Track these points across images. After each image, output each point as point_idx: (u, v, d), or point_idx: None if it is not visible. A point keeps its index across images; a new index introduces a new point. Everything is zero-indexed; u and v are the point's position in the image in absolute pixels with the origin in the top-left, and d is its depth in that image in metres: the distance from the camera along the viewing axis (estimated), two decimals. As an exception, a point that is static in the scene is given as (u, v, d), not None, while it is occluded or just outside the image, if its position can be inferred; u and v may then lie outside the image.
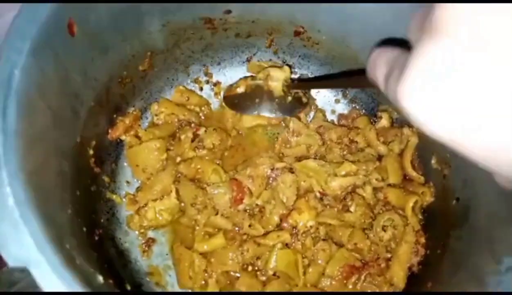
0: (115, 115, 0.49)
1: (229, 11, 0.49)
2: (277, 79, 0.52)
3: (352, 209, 0.45)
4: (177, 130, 0.53)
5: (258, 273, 0.46)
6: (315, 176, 0.47)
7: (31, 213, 0.25)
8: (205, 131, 0.52)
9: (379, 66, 0.25)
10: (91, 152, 0.45)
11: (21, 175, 0.26)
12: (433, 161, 0.46)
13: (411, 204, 0.44)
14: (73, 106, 0.39)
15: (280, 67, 0.53)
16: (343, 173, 0.47)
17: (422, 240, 0.44)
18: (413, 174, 0.47)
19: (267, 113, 0.54)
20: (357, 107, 0.56)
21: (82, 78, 0.40)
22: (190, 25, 0.49)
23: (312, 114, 0.56)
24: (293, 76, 0.56)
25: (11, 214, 0.24)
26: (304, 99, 0.54)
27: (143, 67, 0.49)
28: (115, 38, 0.42)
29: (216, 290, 0.45)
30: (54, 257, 0.24)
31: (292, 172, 0.50)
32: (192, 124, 0.53)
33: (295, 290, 0.44)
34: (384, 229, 0.45)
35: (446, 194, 0.43)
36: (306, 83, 0.56)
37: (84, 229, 0.39)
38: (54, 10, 0.32)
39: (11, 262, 0.23)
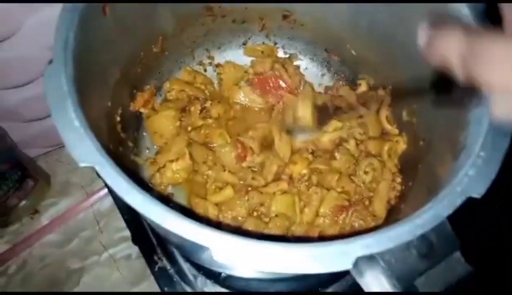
0: (134, 91, 0.58)
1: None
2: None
3: (337, 157, 0.54)
4: (187, 104, 0.61)
5: (262, 216, 0.54)
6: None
7: (90, 133, 0.34)
8: (211, 104, 0.61)
9: (451, 44, 0.25)
10: (118, 118, 0.53)
11: (78, 109, 0.35)
12: (404, 114, 0.55)
13: (386, 148, 0.53)
14: (105, 75, 0.48)
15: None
16: (331, 129, 0.56)
17: (398, 179, 0.53)
18: (388, 127, 0.56)
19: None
20: (340, 78, 0.65)
21: (110, 53, 0.48)
22: (194, 13, 0.58)
23: (302, 87, 0.65)
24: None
25: (77, 130, 0.33)
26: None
27: (156, 50, 0.58)
28: (135, 23, 0.50)
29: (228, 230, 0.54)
30: (114, 163, 0.33)
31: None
32: (200, 99, 0.62)
33: (293, 227, 0.53)
34: (365, 172, 0.53)
35: (416, 137, 0.52)
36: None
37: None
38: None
39: (81, 163, 0.31)
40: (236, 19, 0.62)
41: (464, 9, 0.41)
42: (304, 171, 0.54)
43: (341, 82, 0.64)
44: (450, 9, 0.42)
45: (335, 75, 0.66)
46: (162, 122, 0.58)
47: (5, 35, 0.56)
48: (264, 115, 0.64)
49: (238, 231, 0.52)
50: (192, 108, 0.60)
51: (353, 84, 0.63)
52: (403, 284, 0.31)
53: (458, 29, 0.25)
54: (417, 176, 0.48)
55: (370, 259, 0.31)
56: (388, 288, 0.31)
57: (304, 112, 0.58)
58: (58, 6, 0.38)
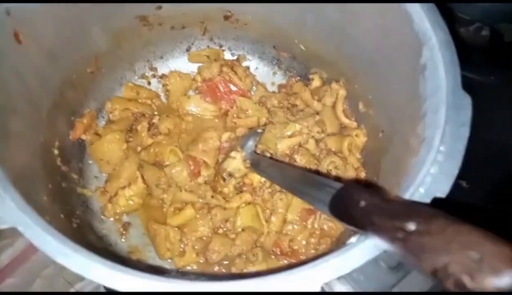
0: (72, 118, 0.53)
1: (159, 7, 0.54)
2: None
3: (297, 159, 0.51)
4: (133, 123, 0.57)
5: (228, 232, 0.51)
6: (264, 142, 0.53)
7: (12, 190, 0.29)
8: (159, 119, 0.57)
9: None
10: (56, 151, 0.48)
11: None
12: (360, 106, 0.53)
13: (346, 145, 0.51)
14: (33, 108, 0.43)
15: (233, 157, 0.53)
16: (289, 133, 0.53)
17: (362, 174, 0.51)
18: (346, 121, 0.54)
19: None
20: (292, 75, 0.62)
21: (38, 82, 0.43)
22: (127, 26, 0.54)
23: (254, 88, 0.62)
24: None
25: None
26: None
27: (91, 69, 0.53)
28: (61, 45, 0.46)
29: (193, 255, 0.50)
30: (40, 220, 0.28)
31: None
32: (146, 115, 0.58)
33: (262, 238, 0.50)
34: (328, 171, 0.51)
35: (375, 129, 0.50)
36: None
37: (62, 216, 0.43)
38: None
39: (1, 225, 0.27)
40: (174, 26, 0.58)
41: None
42: (264, 178, 0.51)
43: (293, 79, 0.61)
44: None
45: (287, 72, 0.63)
46: (107, 148, 0.53)
47: None
48: (218, 123, 0.60)
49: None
50: (139, 127, 0.56)
51: (306, 79, 0.61)
52: (376, 300, 0.29)
53: None
54: (380, 171, 0.46)
55: (339, 279, 0.28)
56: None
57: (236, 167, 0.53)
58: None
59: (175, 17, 0.57)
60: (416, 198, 0.30)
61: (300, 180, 0.40)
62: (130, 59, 0.59)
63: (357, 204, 0.27)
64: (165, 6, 0.54)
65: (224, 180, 0.52)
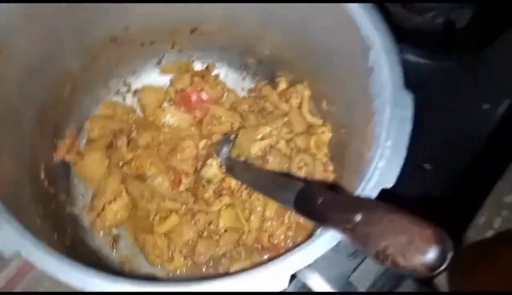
0: (55, 139, 0.56)
1: (127, 27, 0.57)
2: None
3: (270, 160, 0.55)
4: (113, 139, 0.60)
5: (212, 235, 0.55)
6: (239, 147, 0.57)
7: (10, 218, 0.32)
8: (137, 132, 0.60)
9: None
10: (42, 175, 0.51)
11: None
12: (324, 104, 0.57)
13: (312, 142, 0.55)
14: (14, 133, 0.45)
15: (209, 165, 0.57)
16: (260, 136, 0.57)
17: (331, 168, 0.55)
18: (312, 119, 0.58)
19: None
20: (260, 78, 0.66)
21: (19, 99, 0.46)
22: (99, 46, 0.56)
23: (225, 95, 0.65)
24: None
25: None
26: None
27: (66, 93, 0.55)
28: (38, 63, 0.48)
29: (181, 259, 0.54)
30: (40, 243, 0.32)
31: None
32: (124, 131, 0.61)
33: (243, 237, 0.54)
34: (299, 168, 0.55)
35: (338, 126, 0.54)
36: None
37: (55, 236, 0.46)
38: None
39: (4, 252, 0.30)
40: (144, 42, 0.61)
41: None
42: (240, 181, 0.55)
43: (261, 82, 0.65)
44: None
45: (255, 76, 0.66)
46: (90, 167, 0.56)
47: None
48: (194, 131, 0.64)
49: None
50: (119, 143, 0.59)
51: (273, 82, 0.64)
52: (339, 283, 0.33)
53: None
54: (345, 164, 0.50)
55: (308, 267, 0.32)
56: (328, 288, 0.33)
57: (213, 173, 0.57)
58: None
59: (144, 35, 0.60)
60: (367, 190, 0.34)
61: (270, 182, 0.44)
62: (104, 78, 0.62)
63: (315, 201, 0.31)
64: (133, 26, 0.57)
65: (203, 186, 0.55)
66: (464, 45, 0.76)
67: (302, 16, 0.53)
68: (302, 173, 0.54)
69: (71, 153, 0.57)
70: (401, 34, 0.45)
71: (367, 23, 0.44)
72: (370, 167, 0.35)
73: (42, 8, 0.44)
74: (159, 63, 0.65)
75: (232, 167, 0.54)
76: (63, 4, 0.46)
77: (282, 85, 0.62)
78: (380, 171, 0.34)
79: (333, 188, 0.44)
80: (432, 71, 0.69)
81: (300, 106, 0.59)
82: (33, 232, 0.33)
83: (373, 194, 0.33)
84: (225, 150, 0.57)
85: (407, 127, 0.37)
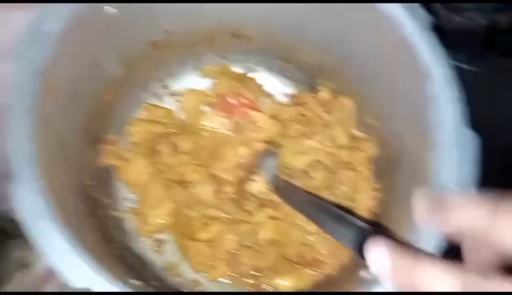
0: (99, 145, 0.56)
1: (167, 31, 0.56)
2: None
3: (314, 175, 0.55)
4: (155, 143, 0.60)
5: (255, 245, 0.56)
6: (282, 160, 0.57)
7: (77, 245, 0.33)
8: (179, 138, 0.60)
9: (469, 213, 0.24)
10: (89, 182, 0.52)
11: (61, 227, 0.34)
12: (369, 119, 0.56)
13: (359, 159, 0.55)
14: (63, 149, 0.46)
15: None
16: (303, 150, 0.56)
17: (375, 185, 0.55)
18: (355, 132, 0.58)
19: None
20: (300, 85, 0.65)
21: (64, 122, 0.46)
22: (140, 52, 0.56)
23: (264, 100, 0.65)
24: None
25: (65, 251, 0.33)
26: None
27: (108, 98, 0.55)
28: (83, 85, 0.48)
29: (224, 267, 0.55)
30: (106, 273, 0.33)
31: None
32: (166, 136, 0.61)
33: (286, 250, 0.55)
34: (343, 184, 0.55)
35: (384, 144, 0.54)
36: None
37: (106, 246, 0.47)
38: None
39: (77, 285, 0.32)
40: (184, 46, 0.60)
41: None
42: (285, 193, 0.56)
43: (302, 89, 0.64)
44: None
45: (295, 82, 0.66)
46: (135, 172, 0.57)
47: None
48: (234, 136, 0.63)
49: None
50: (161, 148, 0.59)
51: (314, 89, 0.64)
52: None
53: (473, 197, 0.24)
54: (395, 189, 0.50)
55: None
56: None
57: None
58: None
59: (184, 38, 0.59)
60: (426, 235, 0.34)
61: (326, 214, 0.44)
62: (144, 81, 0.61)
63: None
64: (172, 30, 0.56)
65: (246, 198, 0.56)
66: (506, 48, 0.74)
67: (343, 26, 0.52)
68: (346, 189, 0.55)
69: (115, 157, 0.57)
70: (440, 36, 0.44)
71: (424, 47, 0.43)
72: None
73: (81, 33, 0.43)
74: (198, 66, 0.64)
75: (281, 188, 0.54)
76: (102, 23, 0.46)
77: (324, 94, 0.61)
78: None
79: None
80: (471, 76, 0.68)
81: (343, 118, 0.59)
82: (89, 250, 0.35)
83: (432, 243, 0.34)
84: (271, 165, 0.57)
85: (471, 170, 0.37)
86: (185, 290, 0.55)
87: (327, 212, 0.44)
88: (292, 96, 0.65)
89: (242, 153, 0.60)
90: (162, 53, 0.58)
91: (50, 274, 0.73)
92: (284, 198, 0.53)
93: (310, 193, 0.54)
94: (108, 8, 0.44)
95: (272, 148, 0.59)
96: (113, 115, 0.58)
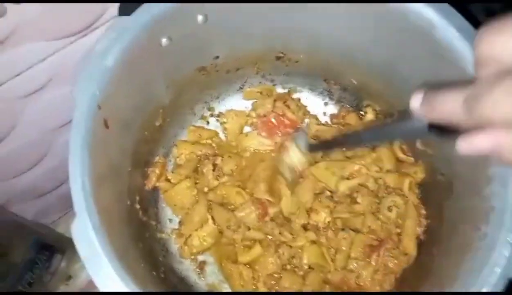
0: (146, 168, 0.58)
1: (217, 57, 0.57)
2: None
3: (359, 200, 0.54)
4: (198, 165, 0.61)
5: (296, 269, 0.56)
6: (324, 181, 0.56)
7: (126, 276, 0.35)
8: (222, 160, 0.61)
9: (453, 96, 0.26)
10: (137, 206, 0.53)
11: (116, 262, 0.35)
12: (418, 143, 0.54)
13: (407, 184, 0.53)
14: (115, 177, 0.47)
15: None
16: (347, 173, 0.56)
17: (423, 211, 0.53)
18: (403, 156, 0.56)
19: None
20: (345, 105, 0.64)
21: (119, 153, 0.48)
22: (188, 77, 0.57)
23: (306, 120, 0.65)
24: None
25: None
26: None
27: (159, 123, 0.57)
28: (135, 114, 0.50)
29: (265, 290, 0.55)
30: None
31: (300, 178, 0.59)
32: (210, 157, 0.62)
33: (329, 276, 0.54)
34: (389, 209, 0.54)
35: (433, 170, 0.52)
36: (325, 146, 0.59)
37: (154, 273, 0.48)
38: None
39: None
40: (230, 69, 0.61)
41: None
42: (328, 219, 0.55)
43: (345, 109, 0.63)
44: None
45: (339, 102, 0.65)
46: (180, 195, 0.58)
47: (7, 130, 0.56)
48: (275, 156, 0.64)
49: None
50: (205, 170, 0.60)
51: (358, 110, 0.62)
52: None
53: (456, 87, 0.26)
54: (444, 216, 0.48)
55: None
56: None
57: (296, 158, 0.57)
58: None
59: (231, 62, 0.59)
60: (493, 279, 0.33)
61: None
62: (190, 104, 0.63)
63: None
64: (222, 55, 0.57)
65: (288, 221, 0.56)
66: None
67: (390, 50, 0.51)
68: (392, 215, 0.53)
69: (160, 180, 0.59)
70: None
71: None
72: (492, 250, 0.34)
73: (137, 64, 0.44)
74: (241, 88, 0.65)
75: (316, 146, 0.57)
76: (157, 54, 0.47)
77: (369, 116, 0.60)
78: (507, 261, 0.33)
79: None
80: None
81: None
82: (138, 277, 0.36)
83: (499, 284, 0.32)
84: (301, 137, 0.58)
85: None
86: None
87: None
88: (335, 116, 0.64)
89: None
90: (209, 77, 0.59)
91: (92, 285, 0.77)
92: (324, 148, 0.57)
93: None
94: (165, 40, 0.45)
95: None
96: (160, 138, 0.60)
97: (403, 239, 0.53)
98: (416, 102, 0.30)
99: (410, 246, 0.52)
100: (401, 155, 0.56)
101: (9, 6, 0.44)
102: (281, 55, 0.60)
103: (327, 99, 0.65)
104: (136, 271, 0.42)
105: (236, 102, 0.65)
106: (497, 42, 0.25)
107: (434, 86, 0.29)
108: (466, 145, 0.27)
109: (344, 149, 0.57)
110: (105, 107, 0.41)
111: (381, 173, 0.55)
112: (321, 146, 0.58)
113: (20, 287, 0.65)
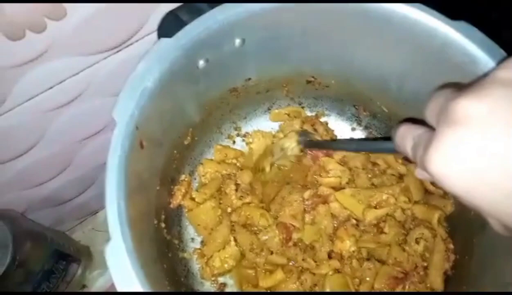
0: (172, 186, 0.57)
1: (249, 79, 0.56)
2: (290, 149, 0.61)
3: (386, 230, 0.53)
4: (222, 186, 0.60)
5: (318, 299, 0.55)
6: (350, 208, 0.55)
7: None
8: (245, 179, 0.60)
9: (407, 139, 0.31)
10: (163, 225, 0.53)
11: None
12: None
13: (436, 218, 0.53)
14: (144, 196, 0.47)
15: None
16: (375, 202, 0.55)
17: (451, 246, 0.52)
18: (432, 188, 0.55)
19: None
20: (373, 132, 0.64)
21: (150, 172, 0.48)
22: (219, 98, 0.57)
23: (334, 142, 0.64)
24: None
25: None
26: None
27: (187, 142, 0.57)
28: (167, 134, 0.50)
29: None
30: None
31: (324, 203, 0.58)
32: (232, 177, 0.61)
33: (352, 306, 0.53)
34: (417, 241, 0.53)
35: (462, 204, 0.51)
36: (322, 145, 0.63)
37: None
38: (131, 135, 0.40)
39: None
40: (260, 91, 0.60)
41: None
42: (353, 248, 0.54)
43: (374, 136, 0.63)
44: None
45: (367, 129, 0.64)
46: (205, 215, 0.57)
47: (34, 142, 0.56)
48: (299, 177, 0.63)
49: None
50: (228, 190, 0.60)
51: (387, 138, 0.62)
52: None
53: (415, 128, 0.31)
54: (474, 252, 0.47)
55: None
56: None
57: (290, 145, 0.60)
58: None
59: (262, 84, 0.59)
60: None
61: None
62: (218, 124, 0.62)
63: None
64: (254, 77, 0.57)
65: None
66: None
67: (425, 76, 0.50)
68: (419, 248, 0.52)
69: (185, 198, 0.58)
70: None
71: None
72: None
73: (172, 85, 0.44)
74: (269, 109, 0.65)
75: (311, 143, 0.60)
76: (193, 75, 0.47)
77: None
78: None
79: None
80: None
81: (419, 172, 0.56)
82: None
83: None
84: (305, 138, 0.61)
85: None
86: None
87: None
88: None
89: (307, 196, 0.59)
90: (239, 98, 0.59)
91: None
92: (321, 146, 0.61)
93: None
94: (202, 61, 0.45)
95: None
96: (187, 157, 0.60)
97: (430, 273, 0.51)
98: (393, 132, 0.35)
99: (437, 281, 0.51)
100: (430, 187, 0.55)
101: (48, 22, 0.44)
102: (312, 79, 0.59)
103: (354, 125, 0.65)
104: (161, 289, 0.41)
105: (263, 123, 0.65)
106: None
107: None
108: (417, 172, 0.36)
109: (335, 150, 0.61)
110: (142, 128, 0.41)
111: (409, 204, 0.54)
112: (314, 144, 0.61)
113: (36, 296, 0.65)
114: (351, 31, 0.46)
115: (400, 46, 0.47)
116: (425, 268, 0.53)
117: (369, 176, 0.59)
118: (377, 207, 0.55)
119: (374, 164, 0.60)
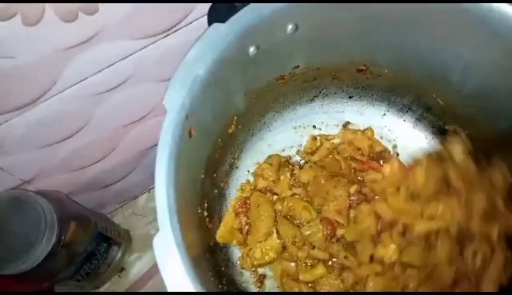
0: (214, 175, 0.56)
1: (297, 66, 0.54)
2: None
3: (438, 245, 0.48)
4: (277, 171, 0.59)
5: (357, 297, 0.53)
6: (399, 212, 0.52)
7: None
8: (300, 169, 0.59)
9: None
10: (205, 213, 0.52)
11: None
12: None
13: (495, 231, 0.47)
14: (192, 188, 0.46)
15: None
16: (429, 212, 0.49)
17: (508, 254, 0.48)
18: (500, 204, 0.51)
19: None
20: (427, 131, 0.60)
21: (197, 161, 0.47)
22: (265, 86, 0.55)
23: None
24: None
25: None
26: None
27: (231, 130, 0.55)
28: (214, 122, 0.49)
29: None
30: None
31: (368, 201, 0.56)
32: (289, 165, 0.60)
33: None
34: (474, 254, 0.48)
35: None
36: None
37: (220, 286, 0.47)
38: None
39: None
40: (307, 79, 0.58)
41: None
42: (395, 257, 0.51)
43: (428, 134, 0.59)
44: None
45: (418, 121, 0.61)
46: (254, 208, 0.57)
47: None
48: (345, 172, 0.61)
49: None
50: (282, 177, 0.58)
51: (440, 133, 0.58)
52: None
53: None
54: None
55: None
56: None
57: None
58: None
59: (310, 72, 0.57)
60: None
61: None
62: (261, 112, 0.61)
63: None
64: (302, 65, 0.54)
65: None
66: None
67: (495, 79, 0.46)
68: (477, 260, 0.48)
69: (225, 184, 0.58)
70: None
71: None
72: None
73: (223, 74, 0.43)
74: (315, 97, 0.62)
75: None
76: (242, 61, 0.45)
77: (458, 155, 0.53)
78: None
79: None
80: None
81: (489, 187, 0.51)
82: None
83: None
84: None
85: None
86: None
87: None
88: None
89: (352, 191, 0.57)
90: (286, 86, 0.57)
91: (142, 279, 0.78)
92: None
93: None
94: (253, 48, 0.43)
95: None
96: (230, 145, 0.59)
97: (483, 283, 0.48)
98: None
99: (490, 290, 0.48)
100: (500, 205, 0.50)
101: (101, 5, 0.43)
102: (364, 68, 0.56)
103: (405, 116, 0.62)
104: (207, 283, 0.41)
105: (307, 113, 0.63)
106: None
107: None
108: None
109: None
110: (191, 116, 0.40)
111: (467, 217, 0.50)
112: None
113: (78, 276, 0.66)
114: (420, 19, 0.43)
115: (470, 35, 0.43)
116: (478, 276, 0.49)
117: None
118: (431, 218, 0.49)
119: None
